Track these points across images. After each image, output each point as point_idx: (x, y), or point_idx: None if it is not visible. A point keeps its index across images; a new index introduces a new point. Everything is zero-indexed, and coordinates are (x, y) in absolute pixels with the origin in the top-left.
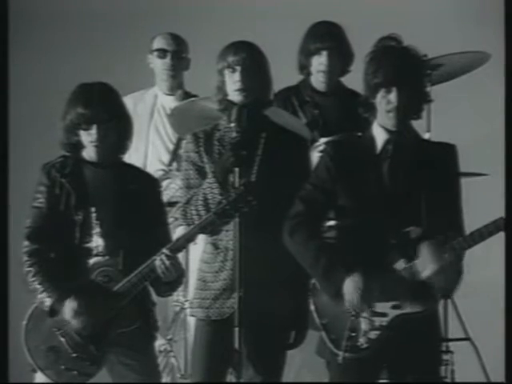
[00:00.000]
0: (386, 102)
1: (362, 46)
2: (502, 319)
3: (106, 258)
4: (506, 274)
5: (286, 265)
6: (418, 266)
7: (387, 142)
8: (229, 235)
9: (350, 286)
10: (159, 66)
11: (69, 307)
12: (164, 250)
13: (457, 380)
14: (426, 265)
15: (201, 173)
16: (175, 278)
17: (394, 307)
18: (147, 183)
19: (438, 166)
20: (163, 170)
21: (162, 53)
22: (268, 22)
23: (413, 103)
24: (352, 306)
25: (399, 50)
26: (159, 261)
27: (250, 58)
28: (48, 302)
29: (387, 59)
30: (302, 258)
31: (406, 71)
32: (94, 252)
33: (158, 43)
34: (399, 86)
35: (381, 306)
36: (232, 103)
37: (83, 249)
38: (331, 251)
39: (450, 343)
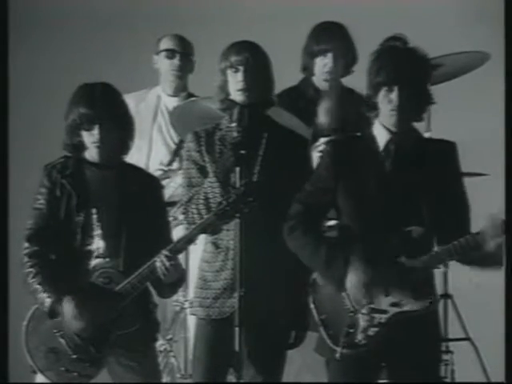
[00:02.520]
0: (387, 101)
1: (361, 45)
2: (502, 319)
3: (107, 259)
4: (506, 274)
5: (287, 265)
6: (479, 238)
7: (389, 142)
8: (230, 235)
9: (353, 279)
10: (167, 66)
11: (68, 309)
12: (164, 252)
13: (457, 380)
14: (488, 237)
15: (202, 172)
16: (176, 279)
17: (393, 305)
18: (149, 184)
19: (439, 164)
20: (162, 169)
21: (171, 53)
22: (270, 23)
23: (414, 103)
24: (355, 299)
25: (404, 51)
26: (159, 262)
27: (253, 58)
28: (48, 303)
29: (390, 58)
30: (302, 251)
31: (409, 71)
32: (95, 254)
33: (167, 44)
34: (401, 85)
35: (380, 303)
36: (234, 103)
37: (84, 251)
38: (331, 241)
39: (450, 343)
